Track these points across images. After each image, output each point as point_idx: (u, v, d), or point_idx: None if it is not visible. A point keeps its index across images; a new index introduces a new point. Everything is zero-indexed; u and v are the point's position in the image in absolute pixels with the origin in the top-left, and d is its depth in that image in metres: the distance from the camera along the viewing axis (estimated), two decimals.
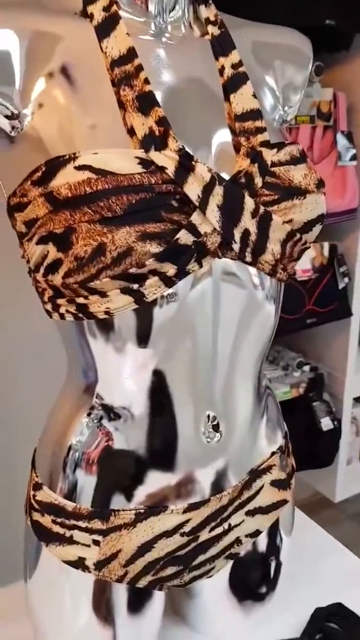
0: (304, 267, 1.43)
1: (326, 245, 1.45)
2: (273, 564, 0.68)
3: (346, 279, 1.47)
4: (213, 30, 0.54)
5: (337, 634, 0.69)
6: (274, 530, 0.66)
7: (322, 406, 1.55)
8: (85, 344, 0.52)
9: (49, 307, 0.51)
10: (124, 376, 0.52)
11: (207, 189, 0.46)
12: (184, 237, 0.46)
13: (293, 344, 1.62)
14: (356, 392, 1.61)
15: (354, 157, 1.38)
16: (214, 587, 0.66)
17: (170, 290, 0.48)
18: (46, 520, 0.56)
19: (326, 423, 1.53)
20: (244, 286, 0.52)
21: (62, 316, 0.50)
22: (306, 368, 1.55)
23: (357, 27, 1.30)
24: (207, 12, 0.55)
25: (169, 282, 0.47)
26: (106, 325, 0.50)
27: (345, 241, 1.49)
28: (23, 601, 0.63)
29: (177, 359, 0.51)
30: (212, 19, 0.55)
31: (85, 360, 0.53)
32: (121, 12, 0.50)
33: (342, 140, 1.37)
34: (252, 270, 0.52)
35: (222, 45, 0.54)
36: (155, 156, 0.45)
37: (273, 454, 0.62)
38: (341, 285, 1.47)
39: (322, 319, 1.45)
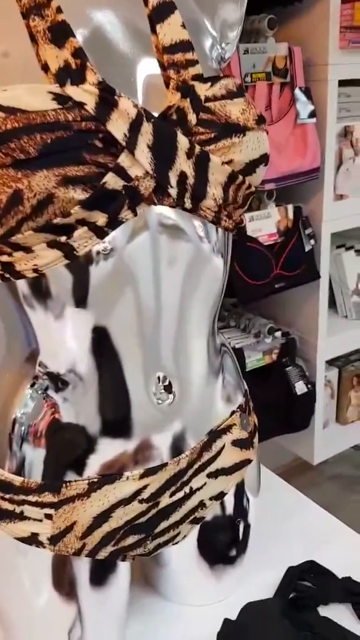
0: (269, 231, 1.40)
1: (290, 207, 1.42)
2: (241, 526, 0.66)
3: (312, 241, 1.45)
4: None
5: (311, 591, 0.68)
6: (239, 492, 0.64)
7: (295, 370, 1.54)
8: (21, 311, 0.49)
9: None
10: (66, 341, 0.49)
11: (134, 127, 0.42)
12: (112, 181, 0.42)
13: (263, 311, 1.60)
14: (328, 355, 1.61)
15: (312, 114, 1.34)
16: (182, 554, 0.64)
17: (104, 245, 0.45)
18: None
19: (300, 387, 1.52)
20: (187, 238, 0.49)
21: None
22: (278, 334, 1.53)
23: None
24: None
25: (100, 232, 0.44)
26: (40, 288, 0.46)
27: (310, 203, 1.46)
28: None
29: (120, 318, 0.49)
30: None
31: (24, 328, 0.50)
32: None
33: (300, 97, 1.33)
34: (196, 221, 0.49)
35: None
36: (72, 91, 0.41)
37: (233, 413, 0.60)
38: (307, 248, 1.44)
39: (290, 282, 1.43)
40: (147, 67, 0.47)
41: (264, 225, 1.38)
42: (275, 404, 1.50)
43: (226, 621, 0.61)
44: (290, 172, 1.35)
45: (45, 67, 0.42)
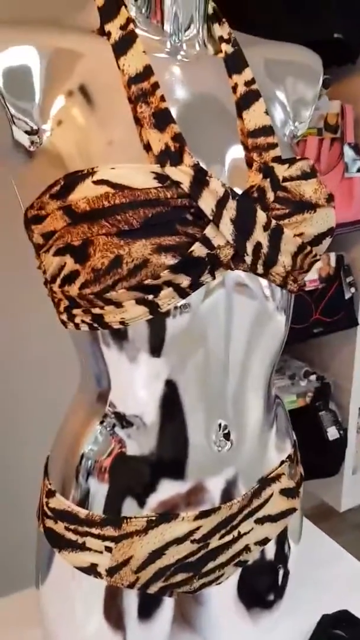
0: (311, 277, 1.44)
1: (333, 255, 1.46)
2: (281, 572, 0.68)
3: (352, 289, 1.48)
4: (227, 48, 0.56)
5: None
6: (282, 539, 0.66)
7: (328, 416, 1.55)
8: (99, 353, 0.53)
9: (64, 317, 0.52)
10: (137, 385, 0.53)
11: (221, 203, 0.47)
12: (198, 250, 0.47)
13: (299, 354, 1.63)
14: None
15: None
16: (222, 595, 0.67)
17: (183, 301, 0.49)
18: (59, 527, 0.56)
19: (332, 433, 1.53)
20: (255, 297, 0.53)
21: (77, 326, 0.51)
22: (312, 377, 1.56)
23: None
24: (221, 30, 0.57)
25: (182, 293, 0.48)
26: (120, 335, 0.51)
27: (352, 252, 1.50)
28: (25, 610, 0.63)
29: (190, 369, 0.52)
30: (225, 37, 0.56)
31: (98, 368, 0.55)
32: (137, 31, 0.51)
33: (349, 152, 1.38)
34: (263, 281, 0.53)
35: (235, 63, 0.55)
36: (171, 171, 0.46)
37: (282, 462, 0.63)
38: (347, 295, 1.48)
39: (328, 328, 1.46)
40: (232, 148, 0.52)
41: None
42: (306, 448, 1.50)
43: None
44: (336, 223, 1.39)
45: (147, 147, 0.47)
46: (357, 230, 1.43)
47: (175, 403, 0.53)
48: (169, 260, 0.46)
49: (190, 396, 0.54)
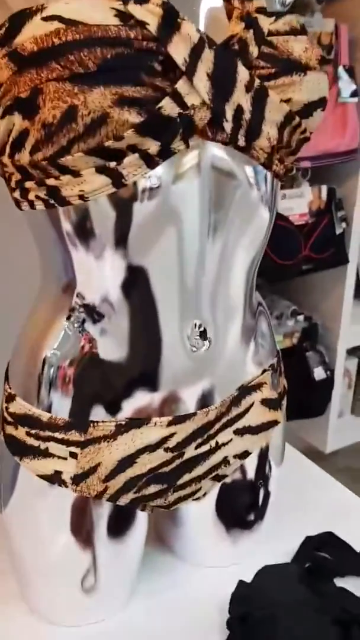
0: (301, 211, 1.38)
1: (324, 188, 1.40)
2: (262, 492, 0.65)
3: (344, 224, 1.42)
4: None
5: (328, 562, 0.66)
6: (263, 458, 0.63)
7: (315, 356, 1.52)
8: (59, 239, 0.47)
9: (17, 194, 0.46)
10: (105, 274, 0.48)
11: (195, 52, 0.41)
12: (168, 107, 0.41)
13: (287, 294, 1.58)
14: (350, 344, 1.58)
15: (354, 94, 1.31)
16: (200, 515, 0.63)
17: (152, 181, 0.43)
18: (20, 432, 0.52)
19: (319, 373, 1.50)
20: (235, 180, 0.47)
21: (31, 204, 0.45)
22: (300, 318, 1.52)
23: None
24: None
25: (150, 161, 0.42)
26: (82, 220, 0.45)
27: (345, 185, 1.43)
28: None
29: (162, 259, 0.47)
30: None
31: (61, 257, 0.49)
32: None
33: (343, 75, 1.30)
34: (247, 167, 0.47)
35: None
36: (135, 9, 0.39)
37: (264, 371, 0.59)
38: (338, 231, 1.42)
39: (318, 265, 1.41)
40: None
41: (296, 204, 1.36)
42: (292, 388, 1.48)
43: (241, 583, 0.60)
44: (327, 152, 1.32)
45: None
46: (350, 160, 1.36)
47: (146, 295, 0.48)
48: (134, 117, 0.40)
49: (162, 290, 0.48)
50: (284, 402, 0.63)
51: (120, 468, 0.52)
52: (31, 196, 0.45)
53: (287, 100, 0.46)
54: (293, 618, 0.55)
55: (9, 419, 0.53)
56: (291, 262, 1.36)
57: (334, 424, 1.62)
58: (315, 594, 0.59)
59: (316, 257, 1.40)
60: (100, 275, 0.48)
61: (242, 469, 0.62)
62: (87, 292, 0.49)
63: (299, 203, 1.36)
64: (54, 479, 0.52)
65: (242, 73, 0.43)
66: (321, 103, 0.48)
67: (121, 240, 0.46)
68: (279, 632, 0.54)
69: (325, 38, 1.30)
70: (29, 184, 0.44)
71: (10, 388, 0.54)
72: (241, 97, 0.43)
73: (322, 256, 1.41)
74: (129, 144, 0.41)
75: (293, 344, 1.51)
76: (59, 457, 0.51)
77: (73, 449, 0.51)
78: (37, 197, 0.44)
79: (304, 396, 1.51)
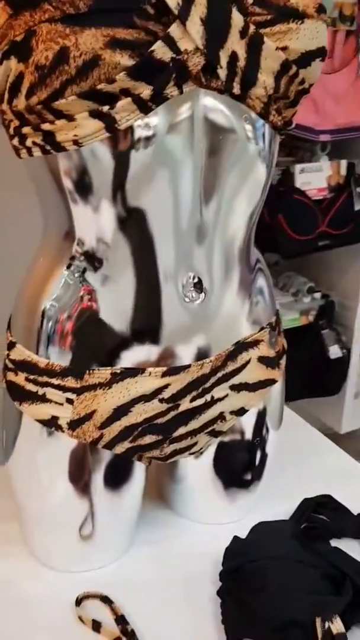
0: (319, 185, 1.36)
1: (344, 163, 1.37)
2: (258, 452, 0.65)
3: None
4: None
5: (325, 524, 0.67)
6: (260, 420, 0.63)
7: (331, 334, 1.51)
8: (58, 186, 0.48)
9: (15, 141, 0.47)
10: (104, 218, 0.48)
11: None
12: (161, 51, 0.41)
13: (304, 271, 1.57)
14: None
15: None
16: (198, 472, 0.65)
17: (147, 131, 0.44)
18: (19, 378, 0.54)
19: (334, 351, 1.49)
20: (231, 132, 0.47)
21: (29, 151, 0.46)
22: (317, 295, 1.50)
23: None
24: None
25: (143, 106, 0.43)
26: (80, 167, 0.46)
27: None
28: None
29: (157, 202, 0.48)
30: None
31: (62, 209, 0.50)
32: None
33: None
34: (244, 122, 0.47)
35: None
36: None
37: (262, 329, 0.59)
38: (357, 207, 1.40)
39: (335, 241, 1.39)
40: None
41: (314, 178, 1.34)
42: (308, 366, 1.47)
43: (235, 538, 0.61)
44: (347, 125, 1.30)
45: None
46: None
47: (142, 238, 0.49)
48: (126, 60, 0.40)
49: (158, 236, 0.49)
50: (283, 362, 0.63)
51: (116, 416, 0.53)
52: (28, 142, 0.46)
53: (284, 49, 0.45)
54: (283, 570, 0.56)
55: (10, 365, 0.55)
56: (308, 237, 1.35)
57: (349, 404, 1.61)
58: (309, 551, 0.60)
59: (334, 233, 1.38)
60: (98, 219, 0.48)
61: (240, 429, 0.63)
62: (87, 238, 0.50)
63: (317, 177, 1.34)
64: (51, 423, 0.53)
65: (237, 19, 0.43)
66: (320, 53, 0.48)
67: (118, 187, 0.46)
68: (268, 583, 0.55)
69: (348, 8, 1.27)
70: (26, 130, 0.45)
71: (11, 336, 0.56)
72: (235, 44, 0.43)
73: (341, 232, 1.39)
74: (122, 88, 0.41)
75: (309, 322, 1.49)
76: (56, 403, 0.52)
77: (69, 395, 0.52)
78: (34, 143, 0.45)
79: (319, 374, 1.50)
